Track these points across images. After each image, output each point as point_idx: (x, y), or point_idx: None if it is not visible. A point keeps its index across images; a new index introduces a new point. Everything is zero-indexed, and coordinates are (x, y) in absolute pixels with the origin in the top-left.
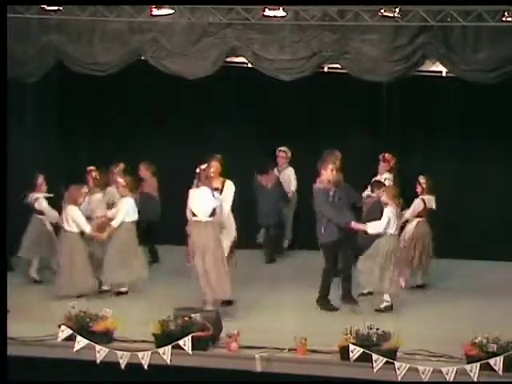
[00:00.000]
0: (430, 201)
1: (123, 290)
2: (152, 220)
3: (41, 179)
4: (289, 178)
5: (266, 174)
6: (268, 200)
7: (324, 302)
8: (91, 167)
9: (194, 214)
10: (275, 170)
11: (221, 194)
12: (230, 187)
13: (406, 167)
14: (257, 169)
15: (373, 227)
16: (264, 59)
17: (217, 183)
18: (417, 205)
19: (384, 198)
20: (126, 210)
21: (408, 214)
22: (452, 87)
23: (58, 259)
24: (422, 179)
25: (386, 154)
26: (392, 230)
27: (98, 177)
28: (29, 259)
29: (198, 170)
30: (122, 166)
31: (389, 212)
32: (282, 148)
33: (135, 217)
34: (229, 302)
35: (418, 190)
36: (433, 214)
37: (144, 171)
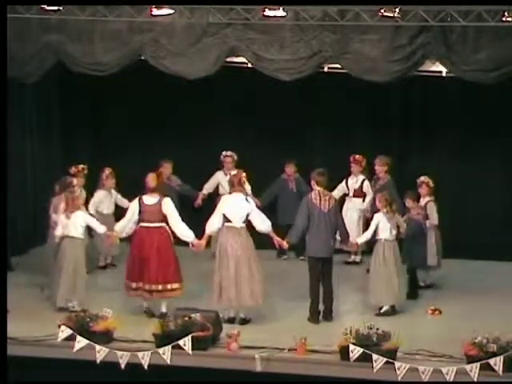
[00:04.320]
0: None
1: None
2: None
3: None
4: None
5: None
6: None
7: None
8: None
9: (228, 220)
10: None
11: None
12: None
13: (405, 167)
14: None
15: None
16: (264, 59)
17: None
18: (434, 209)
19: (378, 206)
20: None
21: (433, 220)
22: (452, 87)
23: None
24: (426, 179)
25: (357, 156)
26: (385, 235)
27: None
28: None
29: (228, 177)
30: (107, 170)
31: (378, 218)
32: (229, 153)
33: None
34: (245, 320)
35: (424, 190)
36: None
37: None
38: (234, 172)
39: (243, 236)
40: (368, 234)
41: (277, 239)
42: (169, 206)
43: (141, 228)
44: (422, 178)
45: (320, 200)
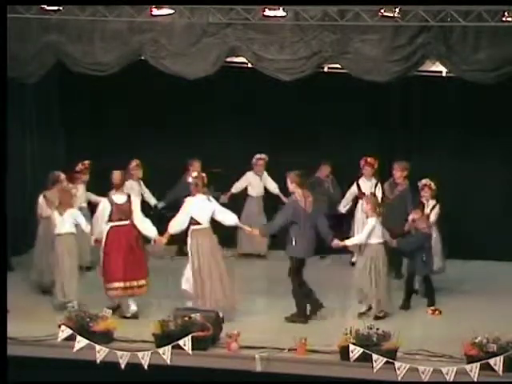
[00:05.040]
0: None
1: None
2: None
3: None
4: (270, 181)
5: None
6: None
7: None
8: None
9: (196, 222)
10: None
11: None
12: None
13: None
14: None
15: (350, 240)
16: (264, 59)
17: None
18: (438, 212)
19: (366, 209)
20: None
21: (431, 221)
22: (452, 87)
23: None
24: (428, 182)
25: (369, 158)
26: (376, 239)
27: None
28: None
29: (190, 180)
30: (135, 162)
31: (373, 223)
32: (262, 156)
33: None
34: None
35: (427, 193)
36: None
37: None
38: (195, 174)
39: (212, 236)
40: (361, 238)
41: (247, 229)
42: (137, 204)
43: (113, 227)
44: (424, 181)
45: (305, 201)
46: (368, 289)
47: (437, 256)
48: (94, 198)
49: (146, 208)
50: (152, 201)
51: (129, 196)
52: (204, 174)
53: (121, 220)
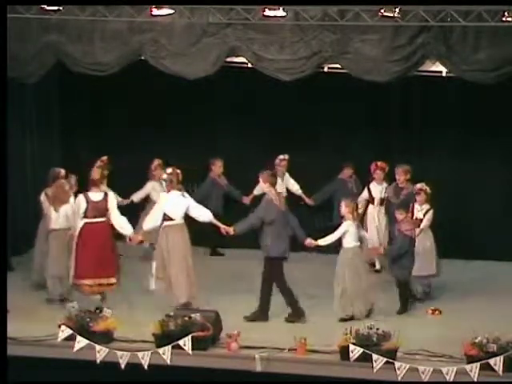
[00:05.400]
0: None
1: None
2: None
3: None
4: (292, 182)
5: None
6: None
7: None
8: None
9: (169, 218)
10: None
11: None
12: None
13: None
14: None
15: (323, 240)
16: (264, 59)
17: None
18: (431, 217)
19: (343, 212)
20: None
21: (423, 226)
22: (452, 87)
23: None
24: (423, 186)
25: (379, 162)
26: (350, 243)
27: None
28: None
29: (164, 176)
30: (157, 161)
31: (346, 226)
32: (286, 156)
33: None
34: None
35: (422, 198)
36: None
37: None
38: (169, 170)
39: (184, 232)
40: (333, 238)
41: (223, 227)
42: (113, 201)
43: (87, 224)
44: (419, 186)
45: (279, 200)
46: (351, 290)
47: (431, 261)
48: (111, 194)
49: None
50: None
51: (105, 194)
52: (179, 171)
53: (95, 217)
